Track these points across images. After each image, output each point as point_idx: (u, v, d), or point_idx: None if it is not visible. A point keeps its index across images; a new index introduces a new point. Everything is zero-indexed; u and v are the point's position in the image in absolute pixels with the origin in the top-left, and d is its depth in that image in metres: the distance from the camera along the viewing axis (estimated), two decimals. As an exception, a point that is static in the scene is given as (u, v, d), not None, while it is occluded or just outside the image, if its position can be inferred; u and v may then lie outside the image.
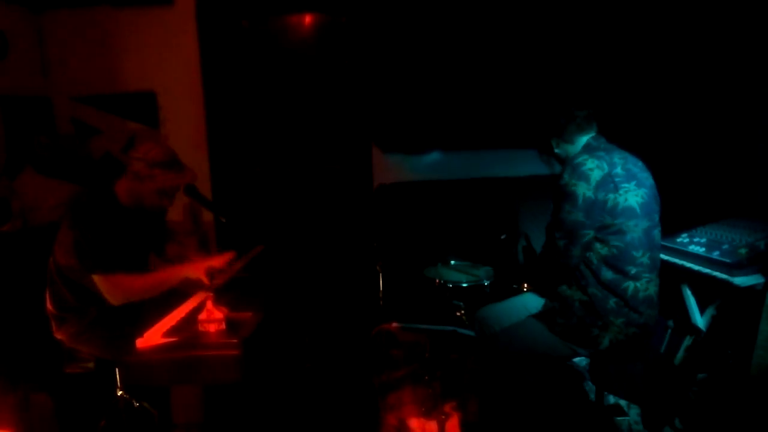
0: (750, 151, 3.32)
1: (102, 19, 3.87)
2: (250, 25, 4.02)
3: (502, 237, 3.31)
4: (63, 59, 3.91)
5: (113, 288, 2.23)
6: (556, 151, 2.40)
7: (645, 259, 2.15)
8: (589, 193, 2.11)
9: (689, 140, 3.58)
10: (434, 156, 4.09)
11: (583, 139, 2.30)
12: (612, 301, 2.16)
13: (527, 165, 3.96)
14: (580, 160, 2.17)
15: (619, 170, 2.15)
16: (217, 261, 2.34)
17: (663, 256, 2.83)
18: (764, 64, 3.22)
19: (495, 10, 3.79)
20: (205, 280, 2.24)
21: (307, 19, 4.02)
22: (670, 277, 2.84)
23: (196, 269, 2.26)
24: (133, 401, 2.41)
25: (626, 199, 2.12)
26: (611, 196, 2.11)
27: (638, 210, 2.13)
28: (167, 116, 4.00)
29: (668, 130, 3.65)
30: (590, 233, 2.15)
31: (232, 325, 2.10)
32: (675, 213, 2.98)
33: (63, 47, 3.89)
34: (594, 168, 2.13)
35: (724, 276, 2.53)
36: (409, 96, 3.91)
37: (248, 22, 4.02)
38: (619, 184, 2.13)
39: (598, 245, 2.16)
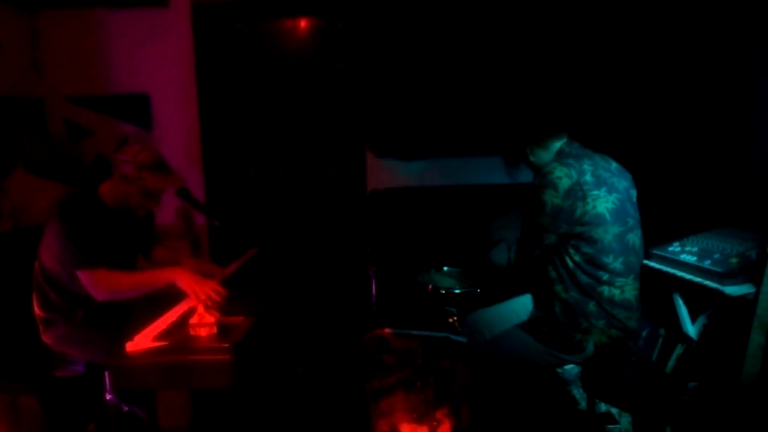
0: (741, 161, 3.35)
1: (96, 20, 3.85)
2: (245, 29, 4.02)
3: (496, 243, 3.31)
4: (56, 60, 3.89)
5: (97, 283, 2.20)
6: (531, 159, 2.42)
7: (617, 265, 2.16)
8: (558, 201, 2.14)
9: (681, 150, 3.60)
10: (428, 162, 4.09)
11: (557, 145, 2.32)
12: (591, 305, 2.18)
13: (521, 172, 3.98)
14: (549, 168, 2.20)
15: (588, 177, 2.17)
16: (206, 289, 2.16)
17: (655, 265, 2.85)
18: (753, 74, 3.25)
19: (489, 19, 3.81)
20: (192, 298, 2.18)
21: (303, 23, 4.03)
22: (662, 285, 2.85)
23: (188, 283, 2.18)
24: (123, 405, 2.39)
25: (594, 207, 2.13)
26: (579, 204, 2.13)
27: (608, 216, 2.15)
28: (161, 118, 3.99)
29: (660, 140, 3.67)
30: (551, 237, 2.19)
31: (223, 329, 2.09)
32: (667, 222, 3.00)
33: (56, 48, 3.88)
34: (563, 176, 2.15)
35: (715, 285, 2.54)
36: (404, 102, 3.92)
37: (243, 25, 4.02)
38: (587, 192, 2.14)
39: (571, 251, 2.17)
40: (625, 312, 2.19)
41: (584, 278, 2.17)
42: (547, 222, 2.17)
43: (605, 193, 2.17)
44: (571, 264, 2.18)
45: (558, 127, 2.34)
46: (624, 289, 2.18)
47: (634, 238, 2.24)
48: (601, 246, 2.14)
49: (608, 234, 2.14)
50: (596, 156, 2.30)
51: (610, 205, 2.15)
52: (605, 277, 2.16)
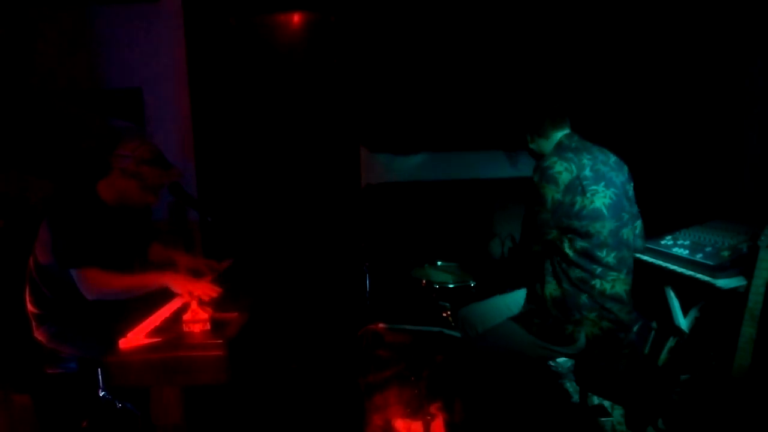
0: (733, 155, 3.36)
1: (88, 15, 3.82)
2: (238, 23, 4.00)
3: (490, 238, 3.32)
4: (47, 55, 3.86)
5: (88, 282, 2.19)
6: (531, 146, 2.43)
7: (610, 259, 2.18)
8: (558, 196, 2.15)
9: (674, 143, 3.61)
10: (422, 156, 4.09)
11: (557, 135, 2.33)
12: (583, 297, 2.20)
13: (522, 163, 3.99)
14: (548, 162, 2.20)
15: (587, 172, 2.18)
16: (201, 288, 2.21)
17: (647, 258, 2.86)
18: (747, 69, 3.26)
19: (482, 12, 3.80)
20: (186, 298, 2.19)
21: (296, 17, 4.01)
22: (654, 278, 2.86)
23: (181, 285, 2.20)
24: (116, 402, 2.38)
25: (593, 202, 2.15)
26: (578, 199, 2.15)
27: (605, 212, 2.16)
28: (153, 114, 3.96)
29: (654, 133, 3.68)
30: (553, 233, 2.20)
31: (217, 325, 2.09)
32: (659, 215, 3.01)
33: (47, 43, 3.84)
34: (562, 171, 2.16)
35: (707, 278, 2.55)
36: (398, 96, 3.91)
37: (236, 19, 3.99)
38: (587, 187, 2.16)
39: (566, 244, 2.18)
40: (616, 305, 2.21)
41: (577, 272, 2.18)
42: (548, 217, 2.18)
43: (603, 188, 2.18)
44: (565, 257, 2.19)
45: (559, 118, 2.34)
46: (615, 284, 2.20)
47: (629, 233, 2.25)
48: (596, 240, 2.16)
49: (605, 229, 2.16)
50: (595, 149, 2.30)
51: (607, 201, 2.17)
52: (598, 270, 2.18)
